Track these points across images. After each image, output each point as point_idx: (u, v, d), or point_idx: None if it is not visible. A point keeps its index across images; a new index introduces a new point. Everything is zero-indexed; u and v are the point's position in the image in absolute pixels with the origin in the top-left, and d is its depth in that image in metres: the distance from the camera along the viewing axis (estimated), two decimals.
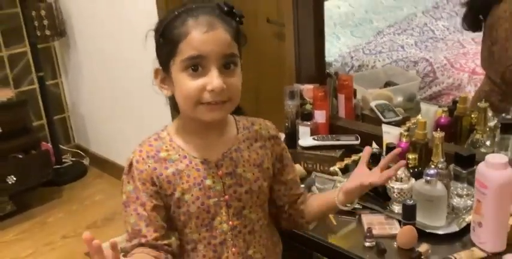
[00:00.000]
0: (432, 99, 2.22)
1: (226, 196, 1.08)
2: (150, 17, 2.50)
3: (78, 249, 2.55)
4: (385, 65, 2.48)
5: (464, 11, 1.95)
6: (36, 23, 2.93)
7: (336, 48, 2.78)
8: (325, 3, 3.39)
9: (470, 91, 2.13)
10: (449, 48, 2.51)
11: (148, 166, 1.06)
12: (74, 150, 3.42)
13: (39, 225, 2.79)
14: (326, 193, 1.30)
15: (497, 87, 1.89)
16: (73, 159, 3.37)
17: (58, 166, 3.18)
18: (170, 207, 1.07)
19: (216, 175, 1.08)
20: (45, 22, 2.93)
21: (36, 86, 3.15)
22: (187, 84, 0.99)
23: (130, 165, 1.08)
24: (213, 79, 0.97)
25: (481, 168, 1.20)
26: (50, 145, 3.14)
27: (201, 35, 0.97)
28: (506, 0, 1.80)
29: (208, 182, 1.07)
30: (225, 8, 1.01)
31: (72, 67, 3.24)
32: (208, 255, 1.09)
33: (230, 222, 1.09)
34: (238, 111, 1.15)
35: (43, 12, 2.91)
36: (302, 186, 1.39)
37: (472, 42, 2.36)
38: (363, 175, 1.14)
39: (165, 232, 1.07)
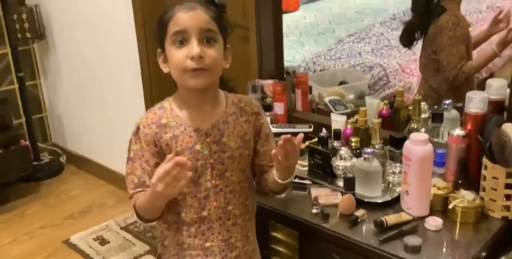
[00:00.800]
0: (385, 100, 2.46)
1: (212, 160, 1.29)
2: (127, 21, 2.69)
3: (56, 237, 2.69)
4: (343, 70, 2.72)
5: (402, 30, 2.16)
6: (17, 26, 3.06)
7: (301, 54, 3.01)
8: (292, 14, 3.67)
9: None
10: (402, 55, 2.73)
11: (152, 130, 1.28)
12: (51, 148, 3.53)
13: (18, 216, 2.91)
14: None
15: (432, 92, 2.12)
16: (50, 157, 3.48)
17: (36, 163, 3.28)
18: None
19: (205, 142, 1.29)
20: (26, 25, 3.07)
21: (16, 86, 3.26)
22: (175, 54, 1.23)
23: (138, 128, 1.30)
24: (193, 47, 1.20)
25: (406, 144, 1.44)
26: (28, 143, 3.22)
27: (184, 14, 1.22)
28: (447, 12, 2.05)
29: (198, 147, 1.28)
30: None
31: (50, 69, 3.37)
32: (194, 205, 1.31)
33: (213, 181, 1.30)
34: (231, 90, 1.39)
35: (24, 16, 3.05)
36: None
37: None
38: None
39: None
